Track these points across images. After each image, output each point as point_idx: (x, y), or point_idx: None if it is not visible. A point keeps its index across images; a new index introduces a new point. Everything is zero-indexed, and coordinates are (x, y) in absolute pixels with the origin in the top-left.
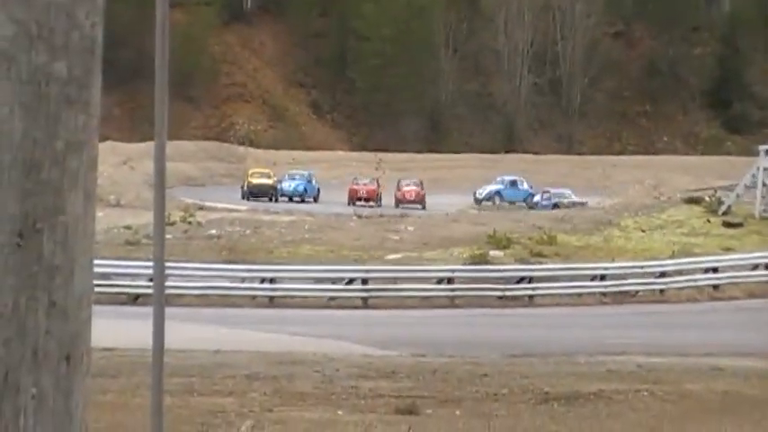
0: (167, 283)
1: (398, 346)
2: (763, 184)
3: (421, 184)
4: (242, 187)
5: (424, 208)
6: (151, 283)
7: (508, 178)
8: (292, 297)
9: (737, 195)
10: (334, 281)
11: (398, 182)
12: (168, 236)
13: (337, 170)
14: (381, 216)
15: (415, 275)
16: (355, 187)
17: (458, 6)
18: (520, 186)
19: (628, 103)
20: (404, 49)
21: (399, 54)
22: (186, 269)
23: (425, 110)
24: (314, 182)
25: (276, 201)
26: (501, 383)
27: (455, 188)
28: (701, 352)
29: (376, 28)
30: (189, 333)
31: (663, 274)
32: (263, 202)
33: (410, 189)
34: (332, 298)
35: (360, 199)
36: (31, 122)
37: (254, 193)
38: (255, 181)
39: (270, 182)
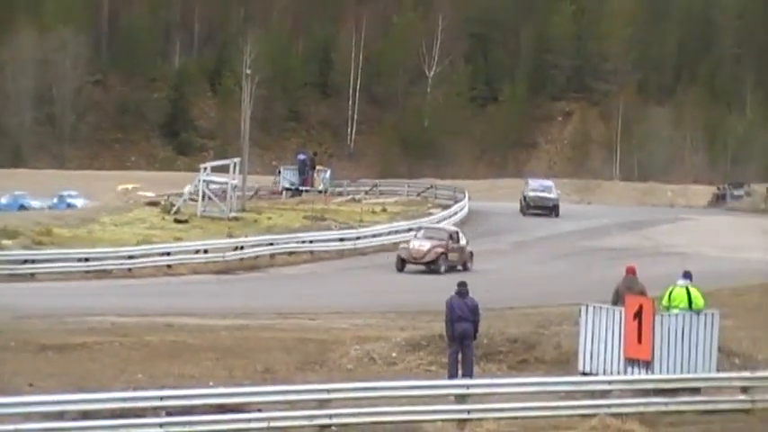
0: None
1: None
2: (203, 192)
3: None
4: None
5: None
6: None
7: None
8: None
9: (184, 200)
10: None
11: None
12: None
13: None
14: None
15: None
16: None
17: None
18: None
19: (106, 132)
20: None
21: None
22: None
23: None
24: None
25: None
26: (9, 338)
27: None
28: (157, 313)
29: None
30: None
31: (131, 257)
32: None
33: None
34: None
35: None
36: None
37: None
38: None
39: None
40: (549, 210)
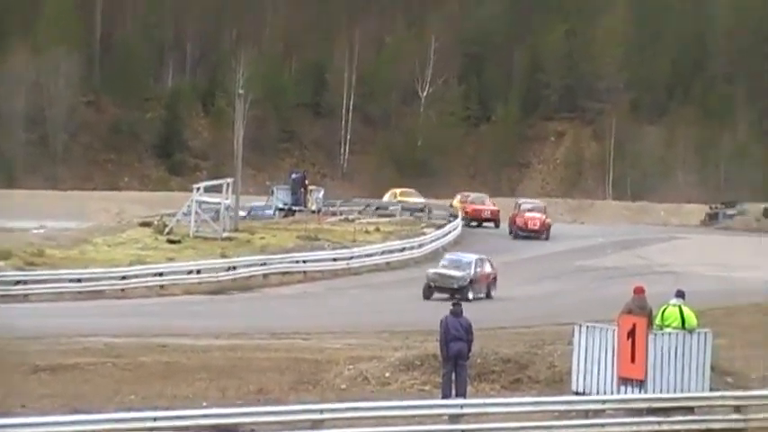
0: None
1: None
2: (196, 212)
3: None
4: None
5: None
6: None
7: None
8: None
9: (177, 220)
10: None
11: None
12: None
13: None
14: None
15: None
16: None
17: None
18: None
19: (98, 153)
20: None
21: None
22: None
23: None
24: None
25: None
26: (1, 359)
27: None
28: (150, 334)
29: None
30: None
31: (124, 277)
32: None
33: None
34: None
35: None
36: None
37: None
38: None
39: None
40: (537, 233)
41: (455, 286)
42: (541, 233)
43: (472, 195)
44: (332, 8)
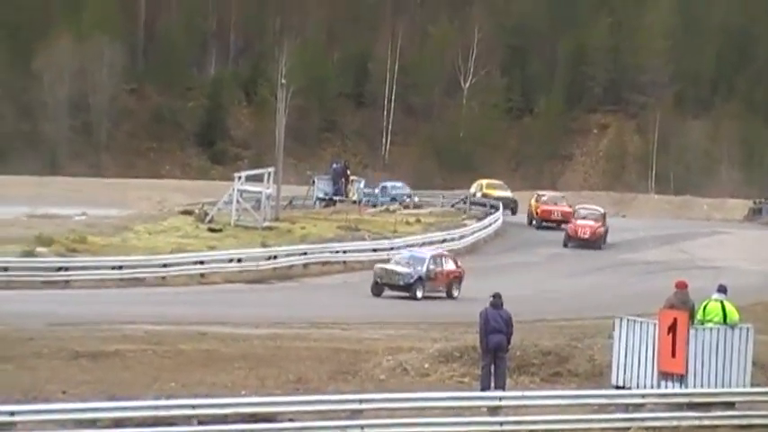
0: None
1: None
2: (237, 201)
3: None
4: None
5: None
6: None
7: None
8: None
9: (219, 209)
10: None
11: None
12: None
13: None
14: None
15: None
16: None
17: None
18: None
19: (141, 141)
20: None
21: None
22: None
23: None
24: None
25: None
26: (43, 345)
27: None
28: (190, 322)
29: None
30: None
31: (165, 265)
32: None
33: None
34: None
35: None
36: None
37: None
38: None
39: None
40: (589, 242)
41: (401, 283)
42: (595, 243)
43: (547, 195)
44: None
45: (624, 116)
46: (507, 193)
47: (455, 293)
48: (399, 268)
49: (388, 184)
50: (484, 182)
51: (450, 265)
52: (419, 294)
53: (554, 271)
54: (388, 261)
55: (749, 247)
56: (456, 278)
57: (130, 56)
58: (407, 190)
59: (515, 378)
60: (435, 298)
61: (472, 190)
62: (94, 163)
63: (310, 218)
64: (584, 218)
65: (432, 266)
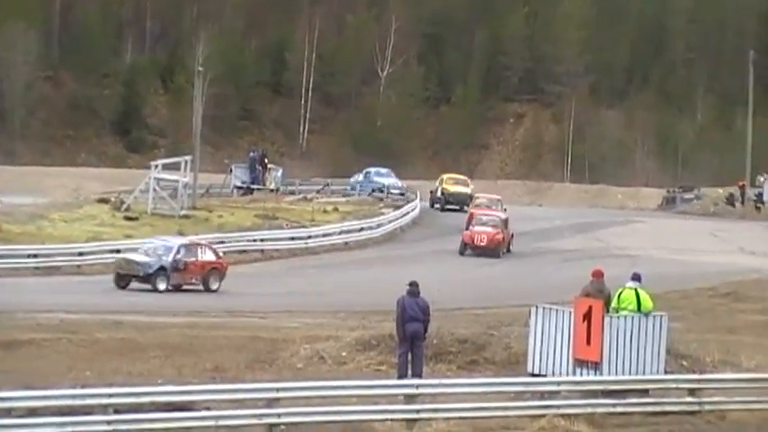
0: None
1: None
2: (154, 189)
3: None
4: None
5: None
6: None
7: None
8: None
9: (135, 197)
10: None
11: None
12: None
13: None
14: None
15: None
16: None
17: None
18: None
19: (56, 128)
20: None
21: None
22: None
23: None
24: None
25: None
26: None
27: None
28: (106, 310)
29: None
30: None
31: (81, 254)
32: None
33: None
34: None
35: None
36: None
37: None
38: None
39: None
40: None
41: (140, 273)
42: (494, 251)
43: (482, 197)
44: None
45: (540, 105)
46: (465, 189)
47: (213, 286)
48: (139, 257)
49: (372, 170)
50: (446, 176)
51: (208, 256)
52: (161, 286)
53: (470, 260)
54: (136, 251)
55: (663, 236)
56: (215, 269)
57: (46, 43)
58: (395, 179)
59: (432, 366)
60: (191, 291)
61: (436, 184)
62: (9, 150)
63: (228, 206)
64: (483, 224)
65: (180, 256)
